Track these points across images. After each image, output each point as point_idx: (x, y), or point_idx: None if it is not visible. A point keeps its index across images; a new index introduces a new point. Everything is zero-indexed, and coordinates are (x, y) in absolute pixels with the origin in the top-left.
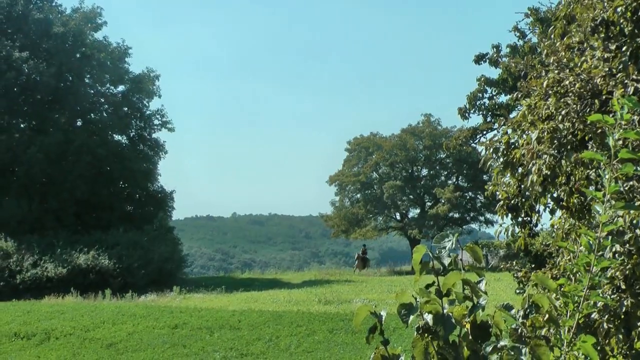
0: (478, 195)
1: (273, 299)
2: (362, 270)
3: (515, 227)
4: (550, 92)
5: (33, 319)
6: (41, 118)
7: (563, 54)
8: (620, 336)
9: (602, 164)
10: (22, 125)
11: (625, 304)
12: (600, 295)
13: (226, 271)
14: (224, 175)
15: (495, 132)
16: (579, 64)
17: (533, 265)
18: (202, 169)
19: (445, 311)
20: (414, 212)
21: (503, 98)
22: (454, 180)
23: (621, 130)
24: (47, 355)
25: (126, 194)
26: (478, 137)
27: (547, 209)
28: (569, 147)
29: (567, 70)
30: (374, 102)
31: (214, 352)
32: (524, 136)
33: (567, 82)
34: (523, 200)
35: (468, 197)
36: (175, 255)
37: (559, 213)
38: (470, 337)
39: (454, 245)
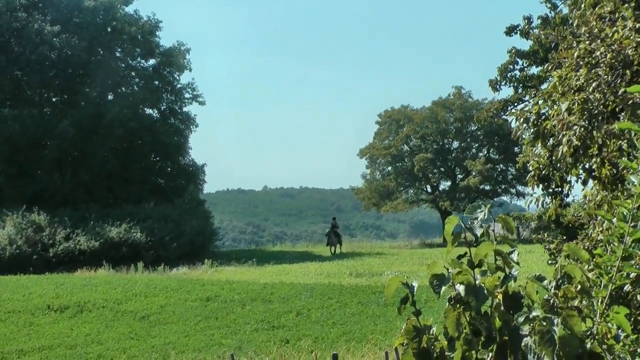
0: (509, 168)
1: (304, 271)
2: (338, 246)
3: (546, 197)
4: (581, 63)
5: (66, 291)
6: (73, 92)
7: (594, 24)
8: None
9: (634, 134)
10: (53, 99)
11: None
12: (634, 266)
13: (257, 244)
14: (255, 149)
15: (526, 103)
16: (610, 35)
17: (565, 237)
18: (233, 142)
19: (477, 282)
20: (445, 185)
21: (534, 70)
22: (485, 152)
23: None
24: (80, 328)
25: (157, 168)
26: (509, 109)
27: (579, 180)
28: (600, 118)
29: (599, 41)
30: (404, 74)
31: (245, 325)
32: (555, 107)
33: (598, 53)
34: (554, 171)
35: (499, 169)
36: (207, 228)
37: (590, 184)
38: (502, 308)
39: (486, 216)
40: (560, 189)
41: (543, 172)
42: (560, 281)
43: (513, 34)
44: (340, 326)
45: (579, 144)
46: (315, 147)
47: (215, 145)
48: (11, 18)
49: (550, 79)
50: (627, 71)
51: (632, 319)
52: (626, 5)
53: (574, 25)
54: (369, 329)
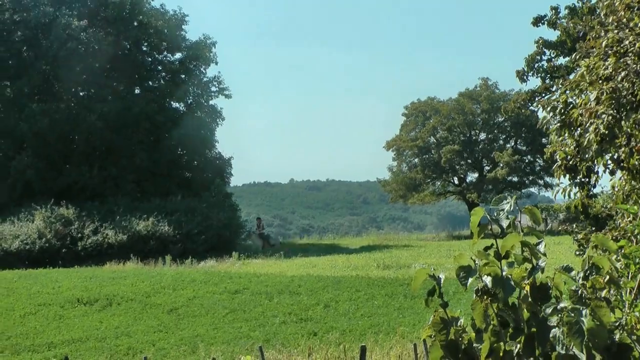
0: (537, 159)
1: (332, 264)
2: (267, 247)
3: (574, 187)
4: (609, 52)
5: (95, 285)
6: (100, 86)
7: (622, 13)
8: None
9: None
10: (81, 94)
11: None
12: None
13: (284, 237)
14: (281, 142)
15: (553, 93)
16: (639, 23)
17: (593, 228)
18: (259, 135)
19: (504, 273)
20: (472, 177)
21: (562, 60)
22: (513, 143)
23: None
24: (109, 321)
25: (184, 161)
26: (536, 99)
27: (607, 170)
28: (628, 107)
29: (627, 30)
30: (430, 66)
31: (273, 317)
32: (583, 96)
33: (627, 42)
34: (581, 161)
35: (527, 161)
36: (234, 221)
37: (619, 174)
38: (529, 299)
39: (512, 208)
40: (587, 179)
41: (570, 162)
42: (588, 272)
43: (540, 24)
44: (368, 318)
45: (606, 132)
46: (342, 140)
47: (242, 138)
48: (39, 13)
49: (577, 69)
50: None
51: None
52: None
53: (602, 14)
54: (397, 321)
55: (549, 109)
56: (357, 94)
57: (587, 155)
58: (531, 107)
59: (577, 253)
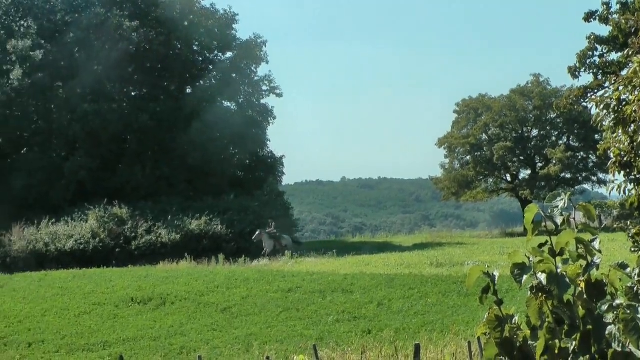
0: (590, 155)
1: (384, 262)
2: (279, 248)
3: (628, 184)
4: None
5: (149, 284)
6: (151, 86)
7: None
8: None
9: None
10: (133, 94)
11: None
12: None
13: (337, 235)
14: (333, 140)
15: (606, 90)
16: None
17: None
18: (310, 133)
19: (559, 270)
20: (524, 173)
21: (614, 56)
22: (565, 140)
23: None
24: (163, 320)
25: (236, 160)
26: (589, 95)
27: None
28: None
29: None
30: (481, 62)
31: (326, 316)
32: (636, 92)
33: None
34: (636, 157)
35: (580, 157)
36: (287, 219)
37: None
38: (585, 296)
39: (566, 205)
40: None
41: (624, 159)
42: None
43: (592, 19)
44: (421, 316)
45: None
46: (393, 138)
47: (293, 137)
48: (90, 14)
49: (630, 64)
50: None
51: None
52: None
53: None
54: (451, 319)
55: (602, 106)
56: (408, 91)
57: None
58: (584, 103)
59: (632, 250)
